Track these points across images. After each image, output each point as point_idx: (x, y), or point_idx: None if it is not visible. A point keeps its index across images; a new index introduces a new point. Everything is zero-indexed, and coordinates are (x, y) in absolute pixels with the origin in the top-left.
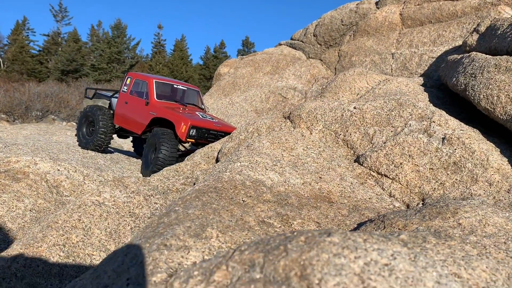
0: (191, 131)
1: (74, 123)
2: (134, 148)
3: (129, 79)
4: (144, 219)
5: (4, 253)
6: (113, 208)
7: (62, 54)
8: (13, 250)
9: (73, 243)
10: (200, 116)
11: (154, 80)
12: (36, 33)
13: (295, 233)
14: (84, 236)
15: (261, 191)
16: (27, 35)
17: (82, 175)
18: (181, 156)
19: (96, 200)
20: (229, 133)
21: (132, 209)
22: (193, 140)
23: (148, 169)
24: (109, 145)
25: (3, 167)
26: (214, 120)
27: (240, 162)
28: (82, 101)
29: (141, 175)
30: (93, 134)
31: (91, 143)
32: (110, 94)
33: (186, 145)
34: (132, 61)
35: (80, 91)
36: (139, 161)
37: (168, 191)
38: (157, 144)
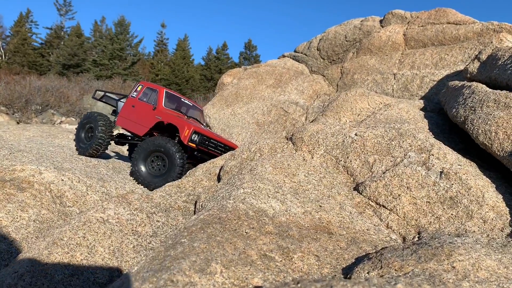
0: (194, 136)
1: (73, 119)
2: (129, 154)
3: (140, 87)
4: (146, 237)
5: (10, 268)
6: (116, 225)
7: (64, 48)
8: (20, 265)
9: (77, 261)
10: (203, 127)
11: (165, 90)
12: (39, 26)
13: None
14: (88, 254)
15: (263, 222)
16: (30, 28)
17: (85, 185)
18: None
19: (101, 217)
20: (229, 147)
21: (135, 227)
22: (194, 145)
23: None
24: (113, 150)
25: (8, 175)
26: (214, 132)
27: (243, 189)
28: (82, 97)
29: (145, 190)
30: (91, 140)
31: (88, 148)
32: (117, 98)
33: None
34: (134, 58)
35: (81, 87)
36: None
37: (170, 208)
38: (166, 154)
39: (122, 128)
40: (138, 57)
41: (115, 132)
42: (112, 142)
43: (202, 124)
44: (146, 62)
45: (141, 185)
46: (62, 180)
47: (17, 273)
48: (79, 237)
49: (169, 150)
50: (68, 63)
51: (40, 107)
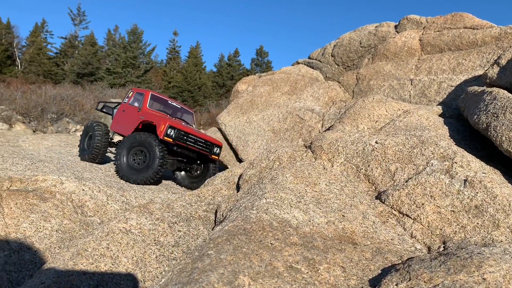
0: (169, 130)
1: None
2: None
3: (131, 93)
4: (169, 247)
5: (36, 279)
6: (139, 236)
7: (78, 57)
8: (46, 276)
9: (101, 271)
10: (183, 124)
11: (150, 93)
12: (54, 36)
13: None
14: (112, 264)
15: (288, 233)
16: (45, 37)
17: (105, 195)
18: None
19: (123, 227)
20: (211, 142)
21: (157, 237)
22: (171, 140)
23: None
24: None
25: (31, 185)
26: (196, 129)
27: (265, 199)
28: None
29: (165, 199)
30: (90, 147)
31: (87, 154)
32: (113, 106)
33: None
34: (147, 66)
35: (95, 95)
36: (158, 180)
37: (191, 218)
38: (148, 149)
39: (115, 132)
40: (151, 65)
41: (116, 139)
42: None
43: (191, 126)
44: (159, 70)
45: (121, 178)
46: (83, 190)
47: (44, 284)
48: (103, 248)
49: (150, 144)
50: (82, 71)
51: (56, 116)
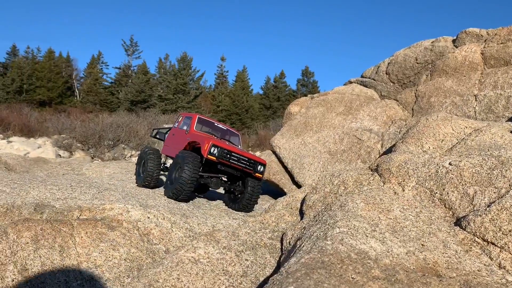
0: (213, 149)
1: None
2: None
3: (180, 117)
4: (237, 277)
5: None
6: (208, 265)
7: (131, 85)
8: None
9: None
10: (227, 143)
11: (197, 116)
12: (109, 66)
13: None
14: None
15: (368, 266)
16: (101, 68)
17: (170, 222)
18: (205, 178)
19: (192, 257)
20: (254, 161)
21: (225, 267)
22: (214, 158)
23: (170, 188)
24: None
25: (99, 214)
26: (239, 147)
27: (338, 228)
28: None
29: (226, 225)
30: (143, 172)
31: (141, 180)
32: (165, 131)
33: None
34: (197, 92)
35: (149, 121)
36: (218, 204)
37: (257, 246)
38: (181, 164)
39: (166, 155)
40: (200, 90)
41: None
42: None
43: (238, 146)
44: (208, 95)
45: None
46: (148, 217)
47: None
48: (173, 279)
49: (183, 158)
50: (135, 99)
51: (112, 142)
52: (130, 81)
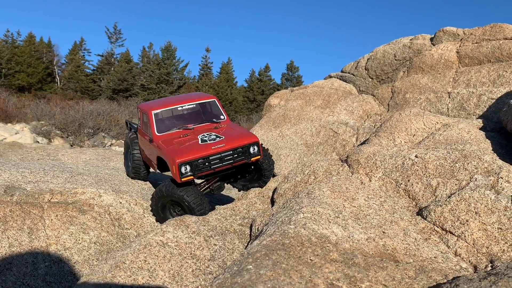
0: (183, 168)
1: (123, 141)
2: None
3: (139, 113)
4: (205, 261)
5: None
6: (175, 249)
7: (114, 73)
8: None
9: (139, 285)
10: (199, 141)
11: (152, 112)
12: (91, 53)
13: None
14: (150, 278)
15: (327, 249)
16: (83, 55)
17: (142, 208)
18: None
19: (160, 240)
20: (243, 145)
21: (193, 251)
22: (192, 177)
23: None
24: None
25: (71, 198)
26: (216, 140)
27: (303, 214)
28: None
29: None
30: (131, 161)
31: (130, 170)
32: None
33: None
34: (180, 82)
35: (130, 110)
36: None
37: (226, 231)
38: (182, 203)
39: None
40: (184, 80)
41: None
42: None
43: (216, 122)
44: (192, 86)
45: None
46: (120, 202)
47: None
48: (140, 261)
49: (179, 198)
50: (117, 88)
51: (92, 130)
52: (112, 69)
